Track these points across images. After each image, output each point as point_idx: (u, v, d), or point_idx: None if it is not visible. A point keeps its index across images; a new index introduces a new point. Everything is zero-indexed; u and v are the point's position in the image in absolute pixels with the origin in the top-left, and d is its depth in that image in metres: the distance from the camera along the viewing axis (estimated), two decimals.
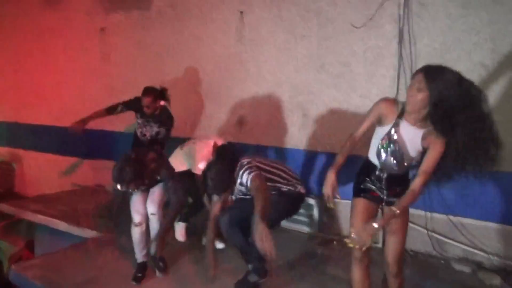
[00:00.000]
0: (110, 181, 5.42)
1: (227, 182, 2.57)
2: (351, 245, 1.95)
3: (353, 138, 2.13)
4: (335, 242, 3.63)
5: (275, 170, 2.77)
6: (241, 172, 2.59)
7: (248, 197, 2.66)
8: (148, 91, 3.69)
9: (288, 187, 2.75)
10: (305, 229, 3.92)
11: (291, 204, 2.82)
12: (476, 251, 3.19)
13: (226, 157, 2.65)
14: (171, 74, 5.02)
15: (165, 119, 3.78)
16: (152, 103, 3.66)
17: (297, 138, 4.10)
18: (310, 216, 3.89)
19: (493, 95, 3.07)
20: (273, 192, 2.65)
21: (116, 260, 3.22)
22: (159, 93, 3.72)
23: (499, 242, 3.13)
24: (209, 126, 4.71)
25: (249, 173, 2.56)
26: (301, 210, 3.75)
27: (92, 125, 5.93)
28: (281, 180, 2.73)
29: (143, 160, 2.66)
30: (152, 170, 2.69)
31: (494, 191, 3.11)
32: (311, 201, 3.87)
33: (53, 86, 6.50)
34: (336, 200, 2.17)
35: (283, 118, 4.18)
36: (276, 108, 4.21)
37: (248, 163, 2.63)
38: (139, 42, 5.30)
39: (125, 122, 4.88)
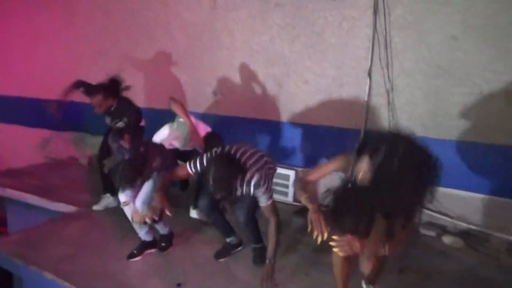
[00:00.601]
0: (82, 154, 5.39)
1: (230, 182, 2.33)
2: (335, 250, 1.90)
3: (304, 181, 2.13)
4: None
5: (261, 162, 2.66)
6: (253, 183, 2.41)
7: None
8: (94, 90, 3.27)
9: None
10: (281, 198, 4.02)
11: None
12: (441, 216, 3.37)
13: (225, 157, 2.41)
14: (140, 43, 4.87)
15: (124, 111, 3.38)
16: (103, 101, 3.30)
17: (272, 109, 4.11)
18: (286, 186, 3.99)
19: (464, 67, 3.17)
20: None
21: (96, 236, 3.21)
22: (107, 88, 3.32)
23: (462, 208, 3.31)
24: (183, 97, 4.65)
25: (264, 193, 2.43)
26: (278, 181, 3.85)
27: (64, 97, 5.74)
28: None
29: (145, 163, 2.62)
30: (147, 175, 2.67)
31: (457, 160, 3.27)
32: (287, 171, 3.96)
33: (16, 55, 6.18)
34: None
35: (258, 89, 4.16)
36: (251, 79, 4.18)
37: (258, 168, 2.47)
38: (105, 7, 5.07)
39: None
